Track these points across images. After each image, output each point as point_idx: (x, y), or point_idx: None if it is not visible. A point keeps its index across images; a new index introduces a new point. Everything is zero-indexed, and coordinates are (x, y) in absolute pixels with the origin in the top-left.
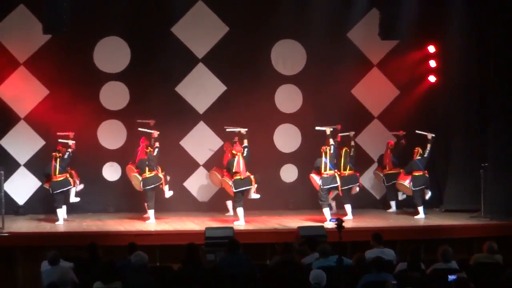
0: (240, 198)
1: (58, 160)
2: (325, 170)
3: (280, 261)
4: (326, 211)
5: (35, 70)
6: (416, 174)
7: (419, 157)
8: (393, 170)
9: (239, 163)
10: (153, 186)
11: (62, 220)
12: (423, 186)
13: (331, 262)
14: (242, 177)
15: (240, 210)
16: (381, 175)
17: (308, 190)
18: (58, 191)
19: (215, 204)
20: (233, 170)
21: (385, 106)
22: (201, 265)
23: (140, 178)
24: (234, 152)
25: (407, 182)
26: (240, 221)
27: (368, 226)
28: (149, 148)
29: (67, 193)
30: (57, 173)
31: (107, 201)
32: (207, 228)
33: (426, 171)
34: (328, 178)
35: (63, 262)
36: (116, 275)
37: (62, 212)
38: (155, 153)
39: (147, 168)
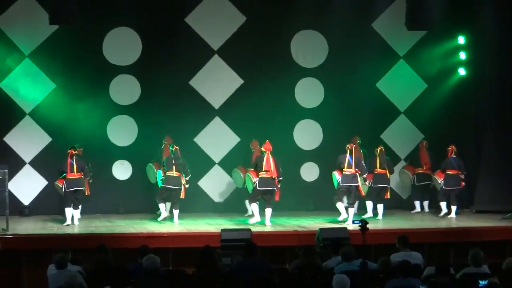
0: (257, 196)
1: (74, 157)
2: (347, 167)
3: (301, 265)
4: (340, 205)
5: (41, 63)
6: (450, 173)
7: (454, 156)
8: (426, 171)
9: (268, 161)
10: (170, 187)
11: (69, 220)
12: (454, 187)
13: (354, 266)
14: (272, 176)
15: (254, 206)
16: (409, 173)
17: (330, 190)
18: (72, 189)
19: (232, 205)
20: (263, 169)
21: (412, 100)
22: (217, 269)
23: (162, 175)
24: (263, 150)
25: (440, 180)
26: (256, 218)
27: (394, 227)
28: (175, 146)
29: (78, 194)
30: (75, 170)
31: (117, 201)
32: (223, 230)
33: (460, 171)
34: (348, 176)
35: (71, 265)
36: (127, 279)
37: (70, 211)
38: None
39: (169, 167)
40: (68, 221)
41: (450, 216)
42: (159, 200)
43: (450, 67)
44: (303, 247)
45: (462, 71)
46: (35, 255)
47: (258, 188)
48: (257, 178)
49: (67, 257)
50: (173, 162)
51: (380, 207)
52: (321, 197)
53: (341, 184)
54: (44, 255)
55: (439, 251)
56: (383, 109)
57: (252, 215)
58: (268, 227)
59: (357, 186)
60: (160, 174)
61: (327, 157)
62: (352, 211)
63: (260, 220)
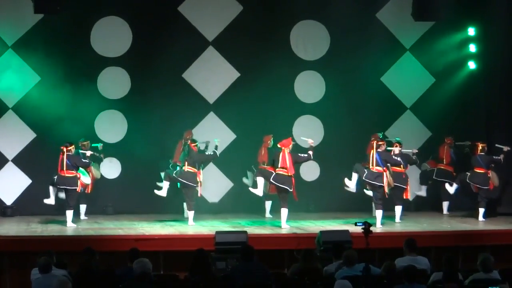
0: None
1: (66, 154)
2: (375, 165)
3: (300, 270)
4: (379, 213)
5: (25, 54)
6: (477, 171)
7: (482, 153)
8: (448, 168)
9: (284, 158)
10: (187, 183)
11: (70, 222)
12: (480, 186)
13: (356, 271)
14: (287, 174)
15: (260, 180)
16: (429, 167)
17: (332, 190)
18: (62, 186)
19: (227, 206)
20: (279, 166)
21: (419, 95)
22: (211, 274)
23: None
24: (279, 145)
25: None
26: (258, 191)
27: (399, 230)
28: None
29: (69, 194)
30: (64, 168)
31: (105, 201)
32: (217, 232)
33: (489, 171)
34: (373, 173)
35: (56, 269)
36: (114, 284)
37: (71, 213)
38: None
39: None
40: (69, 223)
41: (479, 220)
42: (166, 177)
43: (459, 60)
44: (302, 251)
45: (472, 65)
46: (18, 258)
47: (271, 180)
48: (274, 173)
49: (51, 260)
50: (186, 158)
51: (379, 213)
52: (322, 198)
53: (363, 178)
54: (28, 258)
55: (447, 256)
56: (388, 104)
57: (277, 220)
58: (266, 229)
59: (382, 186)
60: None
61: (328, 155)
62: (380, 213)
63: (261, 195)
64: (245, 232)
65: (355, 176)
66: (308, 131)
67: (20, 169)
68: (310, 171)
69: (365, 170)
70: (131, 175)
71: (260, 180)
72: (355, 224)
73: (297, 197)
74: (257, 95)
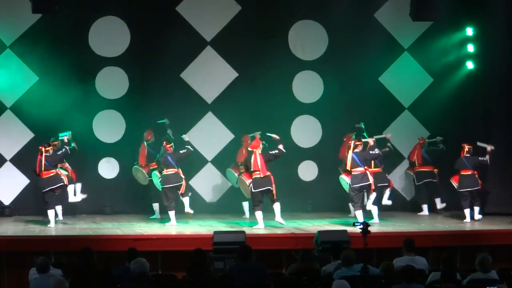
0: (258, 199)
1: (44, 155)
2: (354, 167)
3: (298, 269)
4: (359, 213)
5: (23, 54)
6: (464, 173)
7: (467, 155)
8: (425, 168)
9: (256, 160)
10: (176, 185)
11: (53, 223)
12: (470, 189)
13: (355, 271)
14: (261, 176)
15: (259, 214)
16: (412, 174)
17: (330, 190)
18: (47, 189)
19: (225, 205)
20: (251, 169)
21: (417, 95)
22: (209, 274)
23: (159, 176)
24: (249, 148)
25: (456, 184)
26: (260, 225)
27: (397, 230)
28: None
29: (62, 192)
30: (42, 169)
31: (103, 201)
32: (215, 232)
33: (476, 172)
34: (358, 176)
35: (53, 269)
36: (113, 284)
37: (53, 213)
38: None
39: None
40: (52, 224)
41: (475, 219)
42: (170, 206)
43: (458, 60)
44: (300, 251)
45: (470, 65)
46: (16, 258)
47: (253, 190)
48: (251, 180)
49: (49, 260)
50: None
51: (375, 209)
52: (320, 198)
53: (352, 185)
54: (26, 258)
55: (445, 256)
56: (386, 104)
57: (254, 221)
58: (264, 229)
59: (369, 184)
60: (157, 174)
61: (327, 155)
62: (361, 213)
63: (263, 227)
64: (243, 232)
65: (359, 214)
66: (306, 131)
67: (18, 169)
68: (309, 171)
69: (348, 183)
70: (129, 175)
71: (259, 214)
72: (353, 224)
73: (294, 197)
74: (255, 95)
